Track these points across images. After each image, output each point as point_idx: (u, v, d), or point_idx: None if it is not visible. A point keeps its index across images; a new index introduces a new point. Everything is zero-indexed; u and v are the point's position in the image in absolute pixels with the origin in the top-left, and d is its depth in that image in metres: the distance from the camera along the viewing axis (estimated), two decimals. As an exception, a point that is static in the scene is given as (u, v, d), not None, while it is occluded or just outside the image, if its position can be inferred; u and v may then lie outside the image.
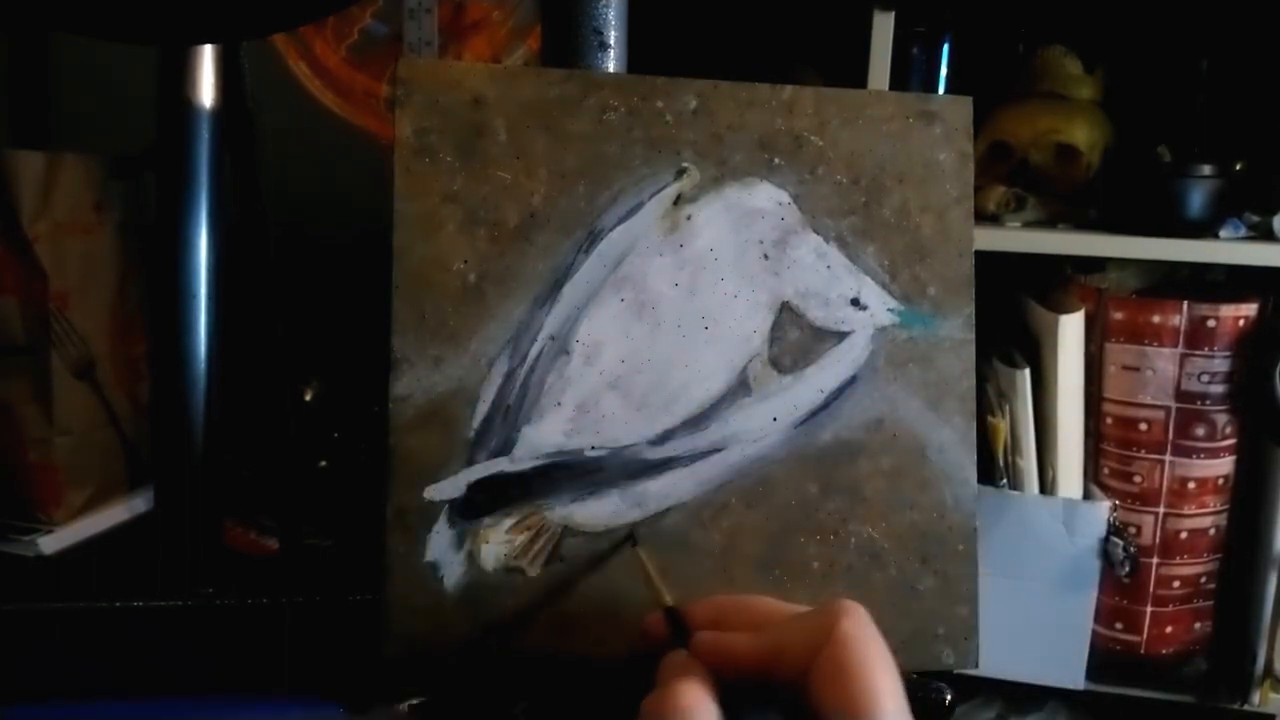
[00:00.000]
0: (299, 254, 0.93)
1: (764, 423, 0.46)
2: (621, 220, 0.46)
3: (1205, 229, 0.97)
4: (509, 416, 0.45)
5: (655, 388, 0.46)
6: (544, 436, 0.46)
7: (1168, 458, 0.97)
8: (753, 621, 0.39)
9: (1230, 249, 0.95)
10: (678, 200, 0.47)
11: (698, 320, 0.46)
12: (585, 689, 0.45)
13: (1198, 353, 0.95)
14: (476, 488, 0.45)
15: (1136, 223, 0.97)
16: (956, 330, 0.48)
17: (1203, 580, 1.00)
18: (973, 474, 0.48)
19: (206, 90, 0.63)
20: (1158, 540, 0.98)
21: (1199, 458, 0.97)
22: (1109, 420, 0.99)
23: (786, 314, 0.47)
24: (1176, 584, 0.99)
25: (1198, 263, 0.98)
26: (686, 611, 0.40)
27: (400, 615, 0.44)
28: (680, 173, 0.47)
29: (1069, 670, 1.01)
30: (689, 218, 0.47)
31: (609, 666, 0.44)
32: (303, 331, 0.80)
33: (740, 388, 0.46)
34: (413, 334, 0.45)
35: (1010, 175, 1.08)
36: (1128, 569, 0.98)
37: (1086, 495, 0.99)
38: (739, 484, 0.46)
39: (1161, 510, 0.98)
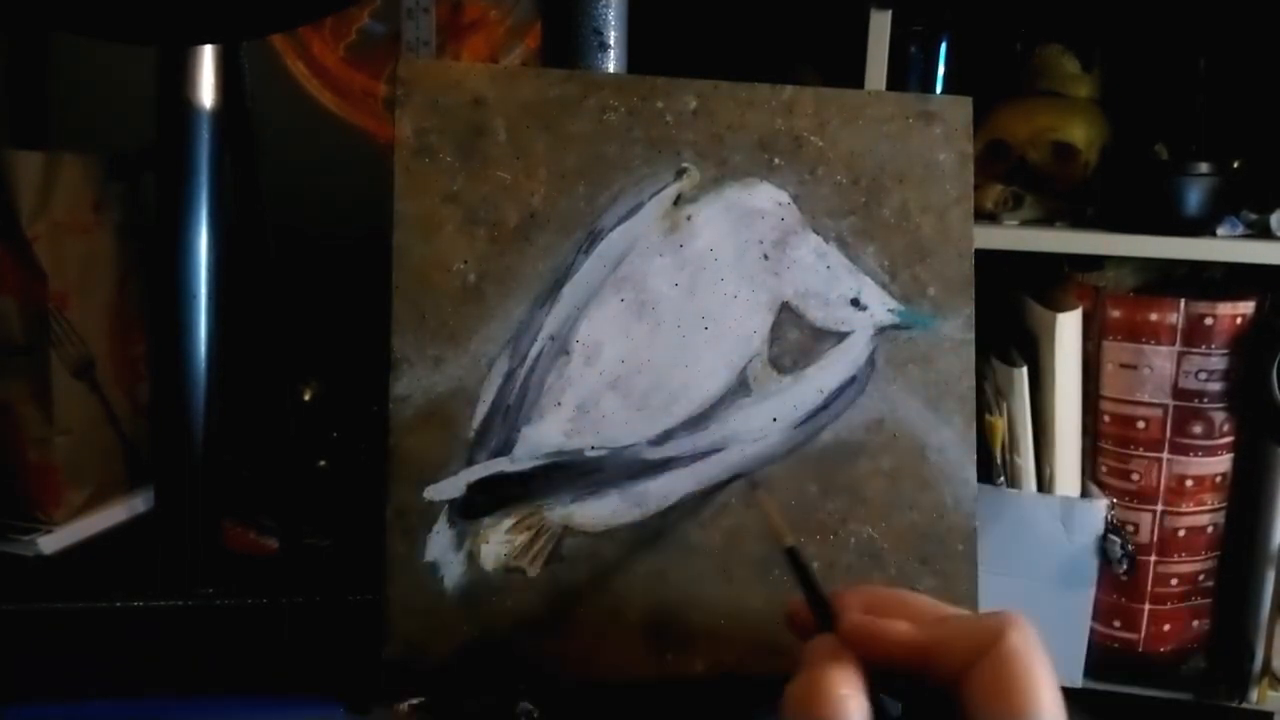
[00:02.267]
0: (298, 254, 0.93)
1: (764, 423, 0.47)
2: (621, 220, 0.46)
3: (1203, 227, 0.97)
4: (509, 416, 0.45)
5: (655, 388, 0.46)
6: (544, 436, 0.46)
7: (1165, 456, 0.97)
8: (906, 614, 0.38)
9: (1228, 247, 0.96)
10: (678, 200, 0.47)
11: (698, 320, 0.46)
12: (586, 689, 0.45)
13: (1195, 351, 0.95)
14: (476, 488, 0.45)
15: (1134, 221, 0.97)
16: (956, 330, 0.48)
17: (1201, 578, 1.00)
18: (972, 474, 0.48)
19: (206, 90, 0.63)
20: (1155, 538, 0.98)
21: (1197, 456, 0.97)
22: (1106, 418, 0.99)
23: (786, 314, 0.47)
24: (1174, 582, 1.00)
25: (1195, 261, 0.98)
26: (835, 596, 0.39)
27: (400, 615, 0.44)
28: (680, 173, 0.47)
29: (1067, 668, 1.01)
30: (689, 218, 0.47)
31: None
32: (302, 331, 0.80)
33: (740, 388, 0.47)
34: (413, 334, 0.45)
35: (1008, 174, 1.08)
36: (1125, 567, 0.98)
37: (1084, 493, 0.99)
38: (739, 484, 0.46)
39: (1159, 508, 0.98)
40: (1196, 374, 0.95)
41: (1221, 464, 0.98)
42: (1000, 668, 0.34)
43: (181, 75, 0.63)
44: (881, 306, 0.47)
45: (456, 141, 0.46)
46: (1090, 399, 0.99)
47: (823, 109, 0.48)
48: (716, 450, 0.46)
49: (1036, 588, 1.00)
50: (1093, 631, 1.01)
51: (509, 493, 0.45)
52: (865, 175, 0.48)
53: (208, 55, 0.63)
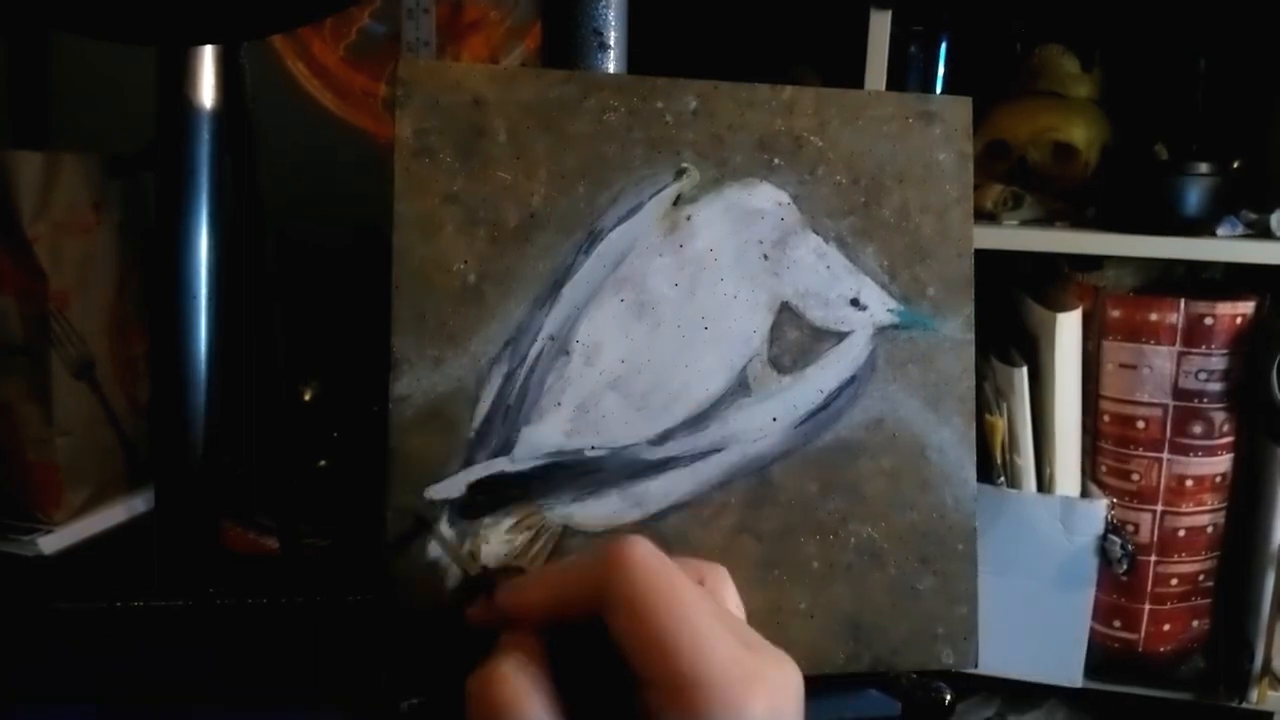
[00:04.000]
0: (297, 254, 0.93)
1: (764, 423, 0.47)
2: (621, 221, 0.46)
3: (1203, 227, 0.97)
4: (509, 416, 0.45)
5: (655, 388, 0.46)
6: (544, 436, 0.46)
7: (1165, 456, 0.97)
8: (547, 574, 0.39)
9: (1228, 247, 0.96)
10: (678, 201, 0.47)
11: (697, 320, 0.46)
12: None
13: (1195, 351, 0.95)
14: (476, 488, 0.45)
15: (1134, 221, 0.97)
16: (956, 330, 0.48)
17: (1201, 578, 1.00)
18: (972, 474, 0.48)
19: (206, 90, 0.63)
20: (1155, 538, 0.98)
21: (1197, 456, 0.97)
22: (1106, 418, 0.99)
23: (786, 314, 0.47)
24: (1174, 582, 1.00)
25: (1195, 260, 0.99)
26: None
27: (400, 615, 0.44)
28: (680, 173, 0.47)
29: (1067, 668, 1.01)
30: (689, 218, 0.47)
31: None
32: (302, 331, 0.80)
33: (740, 388, 0.47)
34: (413, 334, 0.45)
35: (1008, 173, 1.08)
36: (1125, 567, 0.98)
37: (1084, 493, 1.00)
38: (739, 484, 0.46)
39: (1159, 508, 0.98)
40: (1196, 374, 0.95)
41: (1221, 464, 0.98)
42: (621, 608, 0.34)
43: (181, 75, 0.63)
44: (881, 306, 0.47)
45: (456, 142, 0.45)
46: (1090, 399, 0.99)
47: (823, 109, 0.48)
48: (716, 450, 0.46)
49: (1036, 588, 1.00)
50: (1093, 631, 1.01)
51: (509, 493, 0.45)
52: (865, 175, 0.48)
53: (208, 55, 0.63)
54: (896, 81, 1.05)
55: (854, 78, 1.00)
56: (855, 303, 0.47)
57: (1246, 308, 0.95)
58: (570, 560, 0.38)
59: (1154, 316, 0.95)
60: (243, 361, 0.69)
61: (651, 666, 0.33)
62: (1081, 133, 1.07)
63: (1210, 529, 0.99)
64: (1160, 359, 0.95)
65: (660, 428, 0.46)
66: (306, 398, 1.03)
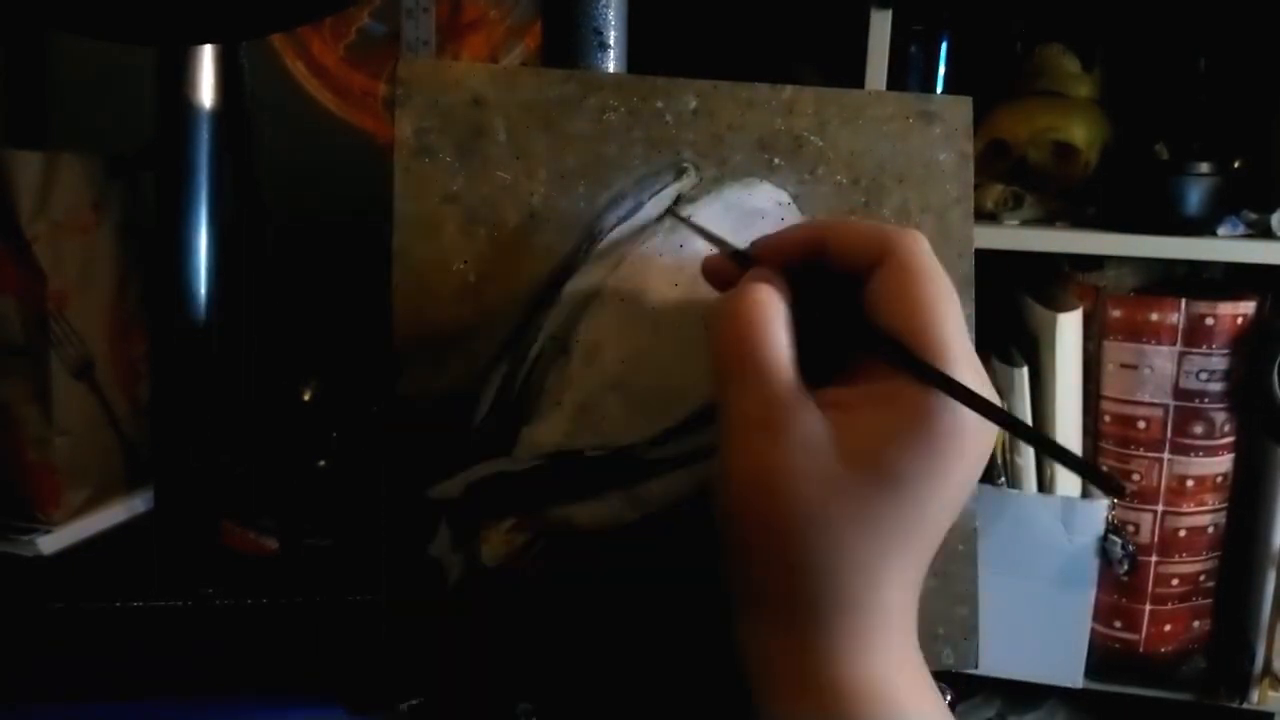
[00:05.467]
0: (297, 253, 0.93)
1: (764, 423, 0.46)
2: (621, 221, 0.46)
3: (1203, 227, 0.97)
4: (509, 417, 0.45)
5: (655, 388, 0.46)
6: (544, 436, 0.46)
7: (1166, 456, 0.97)
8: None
9: (1228, 247, 0.96)
10: (678, 200, 0.47)
11: (697, 321, 0.46)
12: (586, 688, 0.45)
13: (1196, 351, 0.95)
14: (476, 487, 0.45)
15: (1134, 220, 0.97)
16: (956, 330, 0.48)
17: (1201, 579, 1.00)
18: (972, 474, 0.48)
19: (206, 90, 0.63)
20: (1156, 538, 0.98)
21: (1197, 456, 0.97)
22: (1107, 418, 0.99)
23: (786, 314, 0.47)
24: (1175, 582, 1.00)
25: (1196, 260, 0.99)
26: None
27: (400, 615, 0.44)
28: (680, 173, 0.47)
29: (1068, 668, 1.01)
30: (689, 218, 0.47)
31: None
32: (302, 331, 0.80)
33: (740, 388, 0.46)
34: (413, 334, 0.45)
35: (1008, 173, 1.08)
36: (1126, 567, 0.98)
37: (1085, 493, 0.99)
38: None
39: (1160, 508, 0.98)
40: (1197, 374, 0.95)
41: (1222, 464, 0.98)
42: (901, 271, 0.35)
43: (181, 75, 0.63)
44: (882, 306, 0.47)
45: (456, 141, 0.45)
46: (1090, 399, 0.99)
47: (823, 109, 0.48)
48: (717, 450, 0.46)
49: (1037, 588, 1.00)
50: (1093, 632, 1.01)
51: (509, 493, 0.45)
52: (865, 175, 0.48)
53: (208, 55, 0.63)
54: (897, 81, 1.05)
55: (854, 77, 1.00)
56: (855, 302, 0.47)
57: (1247, 308, 0.95)
58: (835, 221, 0.40)
59: (1155, 316, 0.95)
60: (242, 361, 0.69)
61: (911, 319, 0.34)
62: (1082, 132, 1.07)
63: (1211, 529, 0.99)
64: (1161, 359, 0.95)
65: (660, 428, 0.46)
66: (306, 398, 1.03)
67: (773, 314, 0.35)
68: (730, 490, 0.35)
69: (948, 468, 0.33)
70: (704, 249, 0.47)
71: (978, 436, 0.34)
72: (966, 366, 0.34)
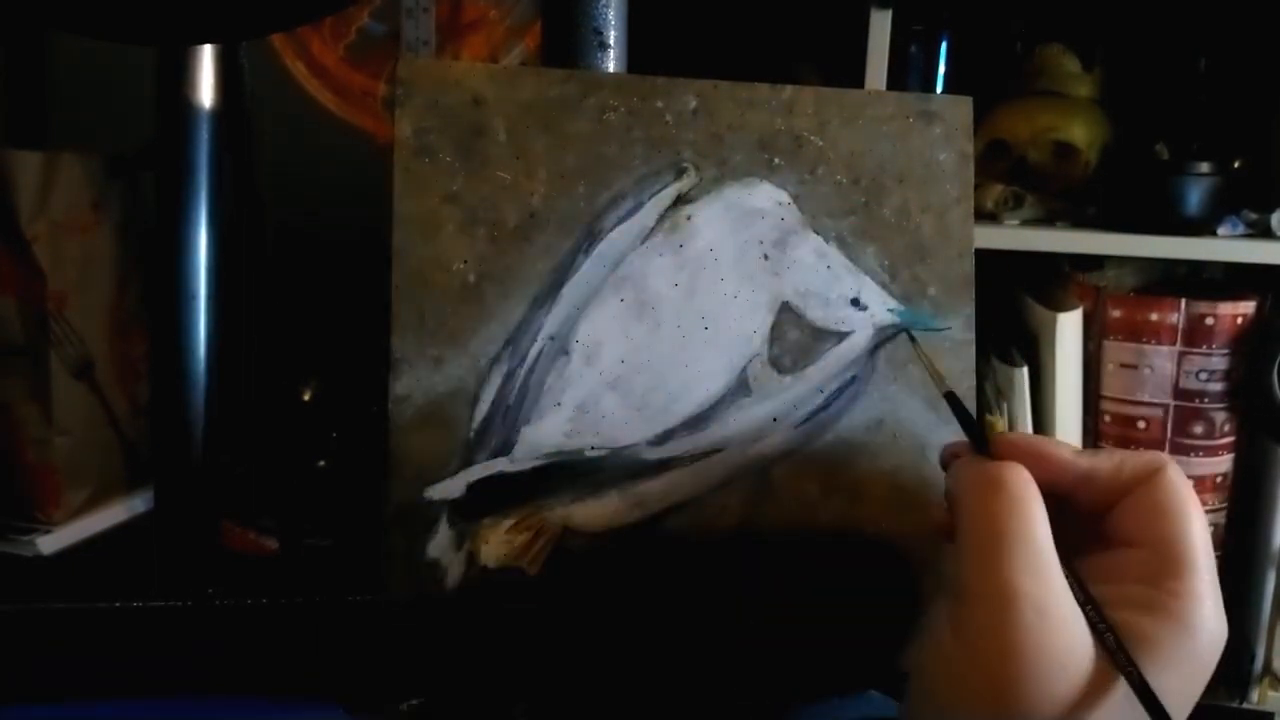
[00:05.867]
0: (297, 253, 0.93)
1: (764, 423, 0.46)
2: (621, 220, 0.46)
3: (1203, 226, 0.97)
4: (509, 416, 0.45)
5: (655, 388, 0.46)
6: (544, 436, 0.46)
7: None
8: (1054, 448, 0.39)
9: (1228, 246, 0.96)
10: (678, 200, 0.47)
11: (697, 321, 0.46)
12: (586, 688, 0.45)
13: (1196, 351, 0.95)
14: (476, 488, 0.45)
15: (1135, 220, 0.97)
16: (957, 330, 0.48)
17: (1201, 578, 1.00)
18: (973, 474, 0.48)
19: (206, 90, 0.63)
20: (1156, 538, 0.98)
21: (1197, 456, 0.97)
22: (1107, 418, 0.99)
23: (786, 314, 0.47)
24: (1175, 582, 0.99)
25: (1196, 260, 0.99)
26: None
27: (400, 615, 0.44)
28: (680, 173, 0.47)
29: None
30: (689, 218, 0.47)
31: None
32: (302, 331, 0.80)
33: (740, 388, 0.46)
34: (413, 334, 0.45)
35: (1008, 173, 1.08)
36: (1126, 567, 0.98)
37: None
38: (739, 485, 0.46)
39: (1160, 508, 0.98)
40: (1197, 374, 0.95)
41: (1222, 464, 0.98)
42: (1158, 493, 0.35)
43: (181, 75, 0.63)
44: (881, 306, 0.47)
45: (456, 141, 0.45)
46: (1091, 399, 0.99)
47: (823, 109, 0.48)
48: (717, 451, 0.46)
49: (1037, 588, 0.99)
50: (1093, 631, 1.01)
51: (509, 493, 0.45)
52: (865, 175, 0.48)
53: (208, 55, 0.63)
54: (897, 81, 1.05)
55: (854, 78, 1.00)
56: (856, 303, 0.47)
57: (1247, 308, 0.95)
58: (1098, 451, 0.39)
59: (1155, 316, 0.95)
60: (243, 361, 0.69)
61: (1162, 528, 0.35)
62: (1082, 132, 1.07)
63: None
64: (1161, 359, 0.95)
65: (660, 428, 0.46)
66: (306, 398, 1.03)
67: (1038, 494, 0.35)
68: (972, 657, 0.34)
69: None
70: (705, 249, 0.47)
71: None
72: (1208, 581, 0.34)
